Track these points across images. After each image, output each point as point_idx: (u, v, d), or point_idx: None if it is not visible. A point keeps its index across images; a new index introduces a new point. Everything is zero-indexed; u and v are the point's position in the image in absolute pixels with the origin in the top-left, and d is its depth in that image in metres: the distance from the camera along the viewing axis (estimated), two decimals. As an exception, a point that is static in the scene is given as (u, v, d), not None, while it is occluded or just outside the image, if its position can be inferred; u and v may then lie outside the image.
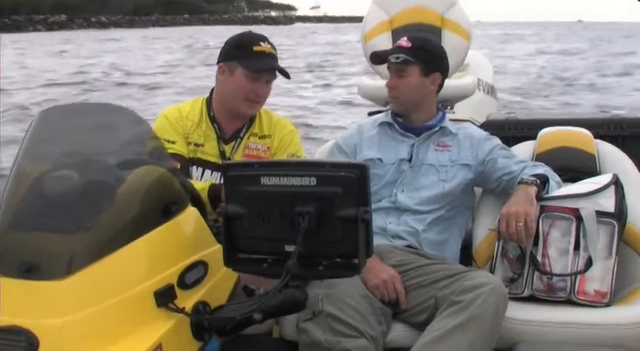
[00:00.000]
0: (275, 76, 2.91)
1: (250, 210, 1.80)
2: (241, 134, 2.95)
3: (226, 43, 2.95)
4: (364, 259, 1.76)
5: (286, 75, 2.89)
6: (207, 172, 2.92)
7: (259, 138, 2.96)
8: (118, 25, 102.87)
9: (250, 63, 2.82)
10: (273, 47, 2.88)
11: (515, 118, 4.39)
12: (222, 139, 2.94)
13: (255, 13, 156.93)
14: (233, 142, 2.94)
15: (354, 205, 1.73)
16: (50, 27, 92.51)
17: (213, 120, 2.95)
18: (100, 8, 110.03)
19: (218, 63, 2.94)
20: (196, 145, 2.92)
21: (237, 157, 2.91)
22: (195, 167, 2.89)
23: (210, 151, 2.92)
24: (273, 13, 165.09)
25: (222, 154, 2.92)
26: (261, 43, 2.84)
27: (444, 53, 3.09)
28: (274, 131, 2.98)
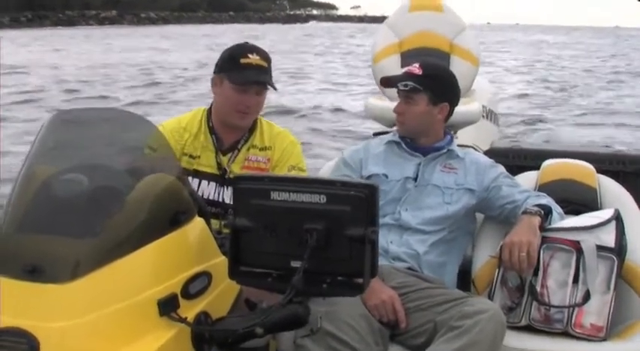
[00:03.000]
0: (266, 87, 2.90)
1: (258, 224, 1.80)
2: (239, 146, 2.95)
3: (221, 55, 2.96)
4: (368, 280, 1.76)
5: (273, 87, 2.89)
6: (204, 182, 2.92)
7: (260, 150, 2.97)
8: (166, 21, 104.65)
9: (235, 76, 2.83)
10: (264, 58, 2.87)
11: (519, 147, 4.41)
12: (220, 150, 2.94)
13: (298, 12, 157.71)
14: (230, 153, 2.94)
15: (362, 224, 1.73)
16: (101, 22, 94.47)
17: (212, 131, 2.96)
18: (149, 4, 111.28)
19: (213, 74, 2.95)
20: (192, 156, 2.93)
21: (235, 168, 2.92)
22: (190, 178, 2.88)
23: (207, 162, 2.93)
24: (314, 12, 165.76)
25: (219, 165, 2.92)
26: (249, 55, 2.84)
27: (456, 83, 3.09)
28: (275, 143, 2.98)
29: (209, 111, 3.01)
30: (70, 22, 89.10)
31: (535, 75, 24.53)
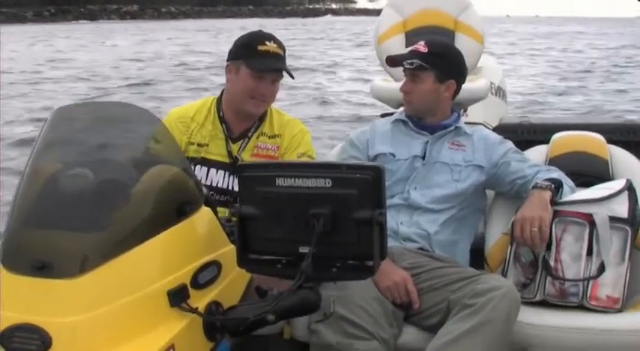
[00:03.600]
0: (282, 76, 2.90)
1: (265, 211, 1.80)
2: (249, 134, 2.95)
3: (235, 42, 2.95)
4: (378, 262, 1.75)
5: (290, 75, 2.89)
6: (212, 170, 2.92)
7: (269, 137, 2.96)
8: (187, 15, 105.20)
9: (254, 62, 2.82)
10: (280, 46, 2.87)
11: (528, 122, 4.38)
12: (230, 138, 2.94)
13: (317, 5, 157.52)
14: (241, 141, 2.94)
15: (369, 207, 1.72)
16: (123, 17, 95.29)
17: (222, 119, 2.95)
18: None
19: (227, 60, 2.94)
20: (199, 145, 2.93)
21: (246, 156, 2.91)
22: (199, 166, 2.89)
23: (216, 150, 2.93)
24: (333, 6, 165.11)
25: (230, 153, 2.92)
26: (267, 43, 2.83)
27: (462, 60, 3.06)
28: (284, 131, 2.97)
29: (219, 100, 3.00)
30: (92, 17, 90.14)
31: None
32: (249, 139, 2.94)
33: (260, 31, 2.98)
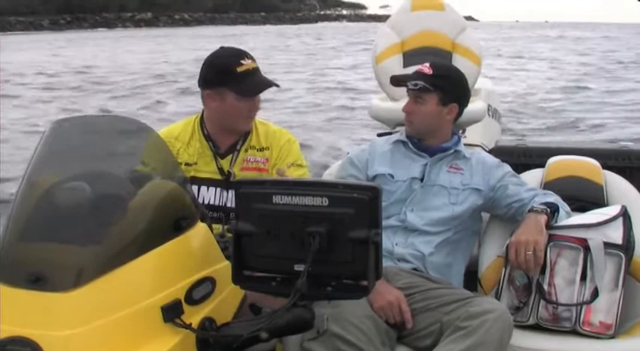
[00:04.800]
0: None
1: (261, 228, 1.79)
2: (238, 147, 2.93)
3: (207, 68, 2.87)
4: (373, 281, 1.75)
5: (276, 85, 2.87)
6: (203, 188, 2.90)
7: (258, 150, 2.94)
8: (199, 22, 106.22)
9: (241, 88, 2.78)
10: (253, 59, 2.84)
11: (524, 145, 4.40)
12: (218, 154, 2.92)
13: (328, 12, 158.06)
14: (230, 156, 2.92)
15: (365, 226, 1.72)
16: (137, 24, 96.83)
17: (207, 137, 2.93)
18: (182, 6, 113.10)
19: (202, 88, 2.88)
20: (187, 164, 2.90)
21: (236, 170, 2.90)
22: (189, 186, 2.86)
23: (205, 168, 2.91)
24: (344, 12, 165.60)
25: (221, 169, 2.90)
26: (242, 62, 2.79)
27: (466, 84, 3.08)
28: (272, 142, 2.96)
29: (201, 119, 2.97)
30: (107, 24, 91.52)
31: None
32: (238, 152, 2.92)
33: (227, 49, 2.92)
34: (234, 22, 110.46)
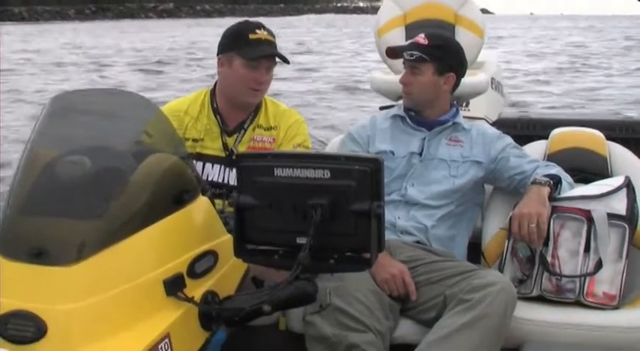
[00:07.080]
0: (275, 64, 2.86)
1: (262, 201, 1.78)
2: (245, 126, 2.91)
3: (223, 35, 2.90)
4: (376, 254, 1.74)
5: (285, 60, 2.86)
6: (208, 165, 2.89)
7: (265, 130, 2.93)
8: (221, 13, 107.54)
9: (247, 51, 2.78)
10: (271, 34, 2.84)
11: (527, 117, 4.39)
12: (226, 131, 2.90)
13: (345, 3, 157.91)
14: (236, 134, 2.90)
15: (367, 199, 1.71)
16: (159, 15, 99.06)
17: (216, 112, 2.92)
18: None
19: (217, 54, 2.90)
20: (194, 140, 2.89)
21: (242, 149, 2.88)
22: (194, 161, 2.84)
23: (211, 144, 2.89)
24: (361, 4, 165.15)
25: (225, 146, 2.89)
26: (257, 31, 2.80)
27: (462, 53, 3.06)
28: (280, 122, 2.94)
29: (212, 92, 2.96)
30: (131, 14, 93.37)
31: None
32: (245, 131, 2.91)
33: (247, 20, 2.94)
34: (253, 13, 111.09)
